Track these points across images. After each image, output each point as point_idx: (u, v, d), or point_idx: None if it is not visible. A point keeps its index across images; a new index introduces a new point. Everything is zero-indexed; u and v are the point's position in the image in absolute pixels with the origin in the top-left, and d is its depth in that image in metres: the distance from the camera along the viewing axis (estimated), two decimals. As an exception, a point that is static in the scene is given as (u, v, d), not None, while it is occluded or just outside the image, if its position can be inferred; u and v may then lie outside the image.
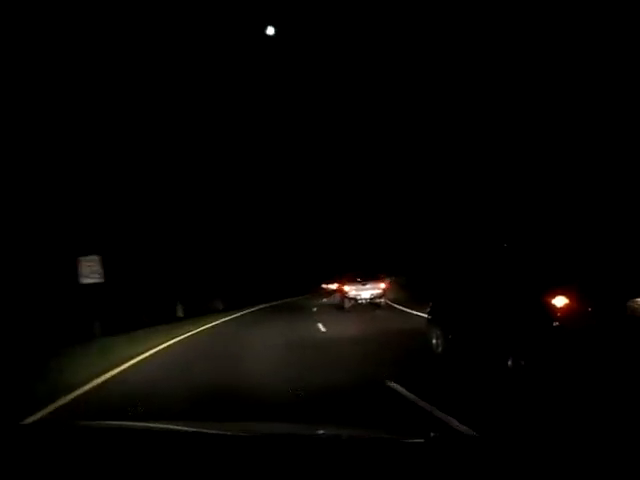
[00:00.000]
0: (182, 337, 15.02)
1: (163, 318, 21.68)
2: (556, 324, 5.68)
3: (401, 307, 20.74)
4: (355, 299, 21.85)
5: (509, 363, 6.26)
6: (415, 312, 17.11)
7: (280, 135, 37.96)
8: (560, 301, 5.72)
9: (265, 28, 18.49)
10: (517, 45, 15.96)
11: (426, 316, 8.95)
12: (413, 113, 27.03)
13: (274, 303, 35.48)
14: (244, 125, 31.50)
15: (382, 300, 21.92)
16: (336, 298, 30.89)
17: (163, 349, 12.44)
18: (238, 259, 36.99)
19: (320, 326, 14.57)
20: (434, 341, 8.23)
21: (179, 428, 2.07)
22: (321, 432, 2.01)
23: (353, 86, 34.15)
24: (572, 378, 5.49)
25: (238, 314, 24.70)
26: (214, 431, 1.95)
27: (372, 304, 21.63)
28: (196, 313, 25.48)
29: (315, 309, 23.89)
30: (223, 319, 21.50)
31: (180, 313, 26.75)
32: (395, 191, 38.92)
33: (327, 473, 1.32)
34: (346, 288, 22.35)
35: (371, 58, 27.84)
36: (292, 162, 43.27)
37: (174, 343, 13.68)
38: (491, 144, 20.43)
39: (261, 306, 31.98)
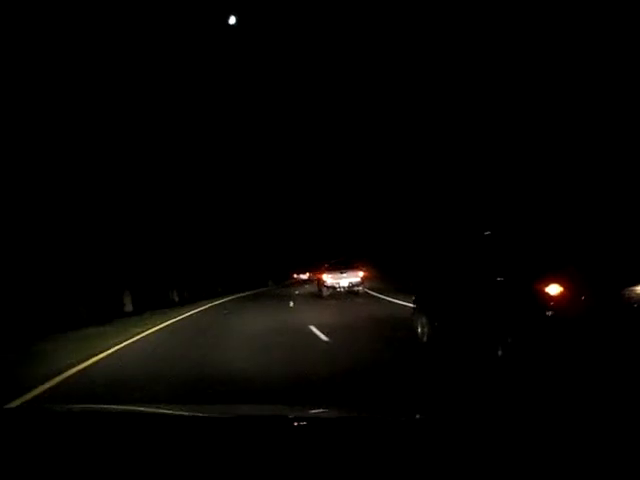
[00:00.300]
0: (132, 341, 10.99)
1: (107, 313, 17.72)
2: (549, 313, 5.49)
3: (380, 295, 20.64)
4: (334, 287, 21.89)
5: (499, 353, 6.08)
6: (395, 300, 17.00)
7: (243, 120, 36.39)
8: (553, 289, 5.52)
9: (228, 18, 18.44)
10: (515, 41, 15.82)
11: (405, 304, 8.73)
12: (387, 99, 26.79)
13: (240, 295, 30.45)
14: (206, 107, 29.26)
15: (360, 288, 21.98)
16: (305, 288, 30.57)
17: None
18: (198, 246, 31.90)
19: (317, 332, 10.25)
20: (419, 329, 8.02)
21: (164, 411, 2.09)
22: (304, 413, 2.05)
23: (326, 74, 33.81)
24: (565, 369, 5.33)
25: (201, 308, 20.53)
26: (202, 414, 1.95)
27: (350, 292, 21.63)
28: (148, 307, 20.78)
29: (292, 303, 19.49)
30: (181, 316, 17.12)
31: (129, 307, 22.06)
32: (365, 181, 38.62)
33: (305, 450, 1.35)
34: (324, 276, 22.48)
35: (350, 47, 27.50)
36: (258, 148, 42.18)
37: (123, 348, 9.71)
38: (468, 126, 20.26)
39: (227, 299, 26.99)
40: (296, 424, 1.68)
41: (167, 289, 27.53)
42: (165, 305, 22.72)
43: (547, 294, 5.50)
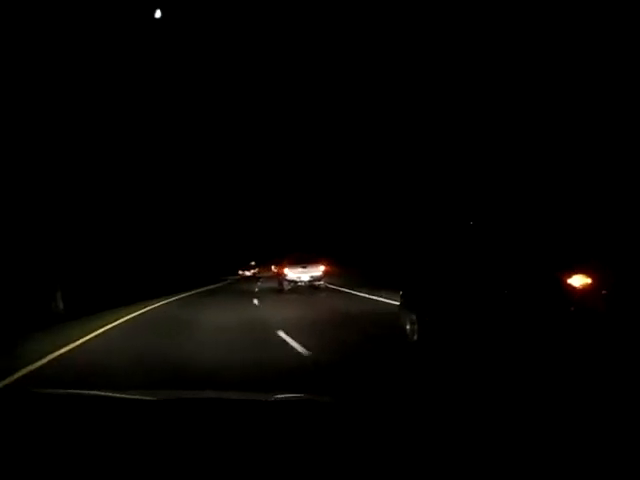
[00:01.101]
0: None
1: None
2: (573, 308, 4.68)
3: (344, 289, 19.81)
4: (295, 281, 20.99)
5: (504, 351, 5.25)
6: (361, 294, 16.19)
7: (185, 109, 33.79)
8: (578, 281, 4.73)
9: (154, 11, 17.76)
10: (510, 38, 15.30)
11: (373, 298, 7.80)
12: (361, 89, 25.97)
13: (182, 296, 22.34)
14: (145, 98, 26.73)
15: (322, 282, 21.19)
16: (252, 286, 28.37)
17: None
18: (106, 229, 23.32)
19: (287, 332, 8.45)
20: (408, 327, 7.11)
21: (137, 397, 2.09)
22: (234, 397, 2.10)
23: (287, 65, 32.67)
24: (591, 372, 4.52)
25: (101, 330, 10.40)
26: (154, 397, 2.03)
27: (311, 287, 20.75)
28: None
29: (284, 335, 8.48)
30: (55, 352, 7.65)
31: None
32: (324, 176, 37.62)
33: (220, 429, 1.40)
34: (285, 270, 21.58)
35: (344, 41, 26.48)
36: (208, 137, 39.96)
37: None
38: (451, 115, 19.57)
39: (154, 305, 16.98)
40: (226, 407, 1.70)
41: (47, 292, 16.25)
42: (41, 320, 12.15)
43: (571, 287, 4.69)
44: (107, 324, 11.24)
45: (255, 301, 16.22)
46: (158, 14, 17.72)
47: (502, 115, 16.10)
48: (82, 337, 9.17)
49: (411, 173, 23.90)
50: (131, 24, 20.04)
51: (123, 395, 2.09)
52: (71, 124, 18.81)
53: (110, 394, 2.13)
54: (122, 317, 12.77)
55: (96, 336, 9.55)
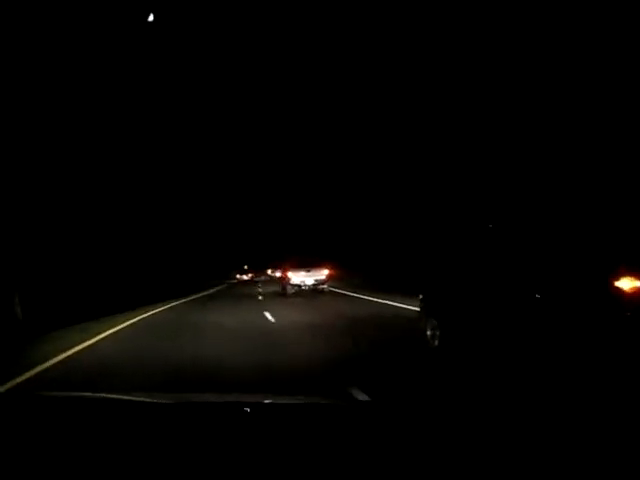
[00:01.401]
0: None
1: None
2: (628, 314, 4.24)
3: (349, 293, 19.39)
4: (299, 285, 20.59)
5: (537, 356, 4.80)
6: (369, 297, 15.77)
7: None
8: (627, 283, 4.29)
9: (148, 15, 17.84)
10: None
11: (381, 301, 7.35)
12: (366, 89, 25.58)
13: (173, 304, 18.68)
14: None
15: (325, 286, 20.80)
16: (253, 291, 26.58)
17: None
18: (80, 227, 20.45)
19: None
20: (429, 332, 6.67)
21: (140, 399, 2.01)
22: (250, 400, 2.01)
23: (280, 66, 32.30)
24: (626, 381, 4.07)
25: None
26: (163, 400, 1.99)
27: (315, 290, 20.32)
28: None
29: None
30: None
31: None
32: (326, 176, 37.06)
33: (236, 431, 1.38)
34: (289, 274, 21.13)
35: (345, 41, 26.10)
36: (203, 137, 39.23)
37: None
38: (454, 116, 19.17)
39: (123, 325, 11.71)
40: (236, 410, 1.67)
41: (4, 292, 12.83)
42: None
43: (624, 291, 4.25)
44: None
45: (268, 315, 12.14)
46: (151, 17, 17.87)
47: (523, 110, 15.65)
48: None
49: (415, 174, 23.45)
50: (130, 27, 19.98)
51: (129, 397, 2.06)
52: (53, 122, 18.31)
53: (116, 396, 2.12)
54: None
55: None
